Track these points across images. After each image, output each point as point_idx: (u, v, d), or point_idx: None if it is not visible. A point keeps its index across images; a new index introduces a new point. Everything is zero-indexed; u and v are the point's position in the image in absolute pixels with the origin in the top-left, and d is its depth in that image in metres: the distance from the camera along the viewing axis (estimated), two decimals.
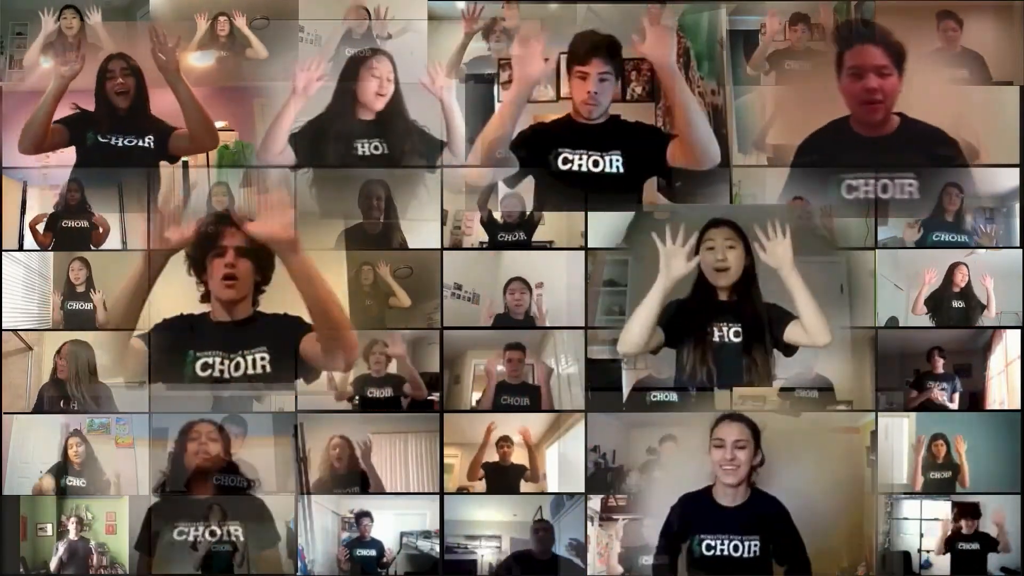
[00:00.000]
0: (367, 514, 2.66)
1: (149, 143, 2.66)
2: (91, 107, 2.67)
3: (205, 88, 2.68)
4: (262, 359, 2.60)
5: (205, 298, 2.62)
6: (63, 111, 2.66)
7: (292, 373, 2.60)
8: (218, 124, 2.68)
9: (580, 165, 2.65)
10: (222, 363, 2.60)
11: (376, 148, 2.68)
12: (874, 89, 2.48)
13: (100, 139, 2.66)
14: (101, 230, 2.67)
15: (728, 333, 2.60)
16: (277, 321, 2.61)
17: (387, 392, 2.66)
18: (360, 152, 2.67)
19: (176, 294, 2.62)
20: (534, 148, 2.66)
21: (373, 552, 2.65)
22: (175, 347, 2.61)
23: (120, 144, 2.66)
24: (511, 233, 2.69)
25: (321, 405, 2.64)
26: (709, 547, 2.55)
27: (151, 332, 2.61)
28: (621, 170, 2.65)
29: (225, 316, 2.61)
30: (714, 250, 2.59)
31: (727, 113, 2.68)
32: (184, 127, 2.65)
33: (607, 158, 2.65)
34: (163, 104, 2.67)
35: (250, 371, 2.60)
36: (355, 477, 2.66)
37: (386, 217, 2.68)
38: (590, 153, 2.65)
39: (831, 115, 2.60)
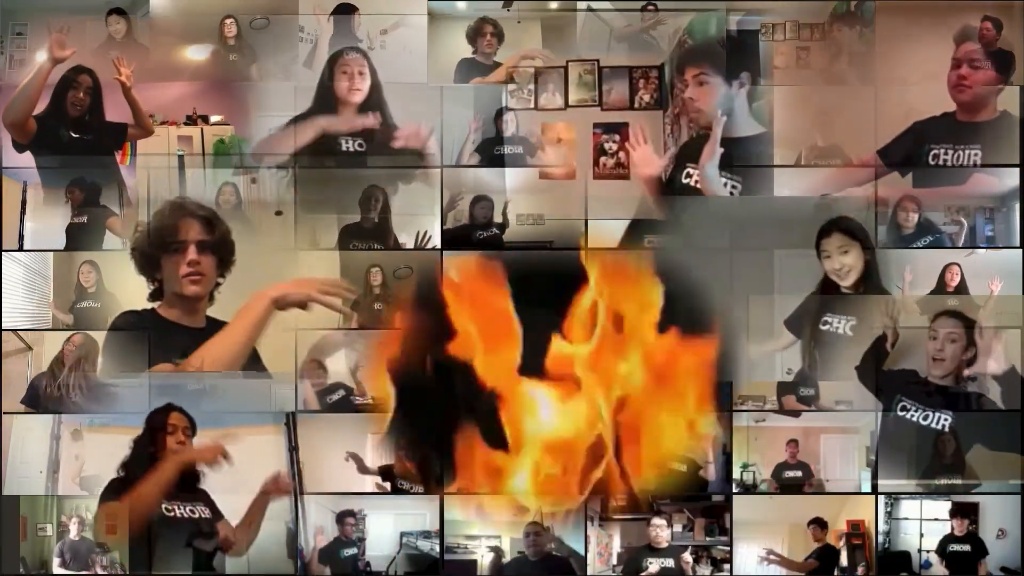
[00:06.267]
0: (351, 513, 2.64)
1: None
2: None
3: (202, 83, 2.69)
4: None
5: (155, 295, 2.50)
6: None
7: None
8: (214, 119, 2.68)
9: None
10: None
11: (360, 146, 2.65)
12: (964, 76, 2.69)
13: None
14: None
15: (844, 326, 2.64)
16: None
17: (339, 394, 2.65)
18: (344, 148, 2.65)
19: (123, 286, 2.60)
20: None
21: (355, 551, 2.64)
22: (131, 346, 2.51)
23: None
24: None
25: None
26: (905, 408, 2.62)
27: (110, 328, 2.54)
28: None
29: (182, 316, 2.46)
30: (831, 259, 2.64)
31: None
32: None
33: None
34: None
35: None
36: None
37: (381, 215, 2.67)
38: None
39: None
